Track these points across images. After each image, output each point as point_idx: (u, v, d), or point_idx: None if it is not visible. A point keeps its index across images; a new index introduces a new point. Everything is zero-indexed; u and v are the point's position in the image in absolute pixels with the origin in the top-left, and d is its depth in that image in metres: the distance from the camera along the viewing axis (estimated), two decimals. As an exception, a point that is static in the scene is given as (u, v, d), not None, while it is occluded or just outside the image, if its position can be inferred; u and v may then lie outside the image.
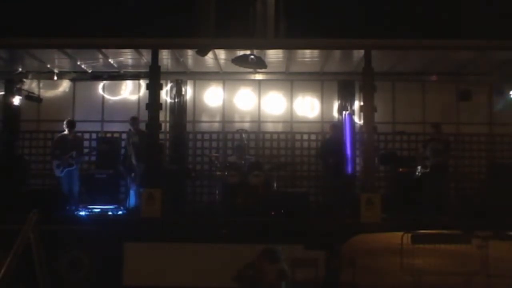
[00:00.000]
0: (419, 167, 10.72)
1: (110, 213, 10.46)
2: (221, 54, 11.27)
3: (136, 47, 10.69)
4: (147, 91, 10.21)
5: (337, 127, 11.71)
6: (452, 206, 10.68)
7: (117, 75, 12.61)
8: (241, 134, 11.98)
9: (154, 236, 9.05)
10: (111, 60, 11.74)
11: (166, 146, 12.52)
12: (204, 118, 13.12)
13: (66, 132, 11.00)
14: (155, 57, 10.22)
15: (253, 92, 13.06)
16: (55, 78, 12.64)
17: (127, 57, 11.55)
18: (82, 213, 10.25)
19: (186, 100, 12.77)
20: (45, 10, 10.68)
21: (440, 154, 10.60)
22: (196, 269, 8.84)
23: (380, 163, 11.56)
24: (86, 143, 12.33)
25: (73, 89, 13.07)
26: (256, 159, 11.70)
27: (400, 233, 8.30)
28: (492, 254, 7.96)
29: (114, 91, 13.08)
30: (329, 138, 11.75)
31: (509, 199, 9.57)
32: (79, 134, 11.61)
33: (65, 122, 11.15)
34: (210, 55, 10.99)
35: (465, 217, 9.56)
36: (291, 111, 13.03)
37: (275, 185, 11.22)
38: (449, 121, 12.37)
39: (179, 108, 12.57)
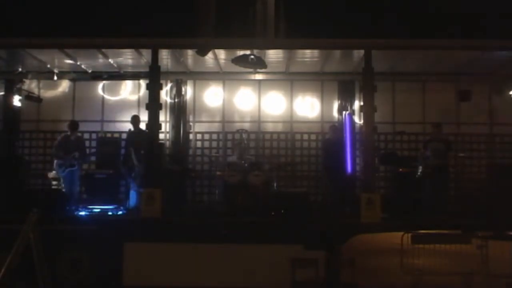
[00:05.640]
0: (420, 167, 10.70)
1: (110, 213, 10.47)
2: (221, 54, 11.26)
3: (136, 47, 10.69)
4: (147, 91, 10.22)
5: (336, 128, 11.72)
6: (452, 206, 10.68)
7: (117, 75, 12.61)
8: (241, 134, 11.98)
9: (154, 236, 9.05)
10: (111, 60, 11.74)
11: (166, 146, 12.52)
12: (204, 118, 13.13)
13: (69, 133, 11.02)
14: (155, 57, 10.22)
15: (253, 92, 13.06)
16: (55, 78, 12.63)
17: (127, 57, 11.55)
18: (82, 213, 10.26)
19: (186, 100, 12.78)
20: (45, 10, 10.69)
21: (441, 154, 10.59)
22: (196, 269, 8.83)
23: (380, 163, 11.56)
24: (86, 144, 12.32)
25: (73, 89, 13.08)
26: (256, 159, 11.70)
27: (400, 233, 8.28)
28: (492, 254, 7.94)
29: (114, 91, 13.08)
30: (328, 139, 11.76)
31: (509, 199, 9.57)
32: (79, 134, 11.58)
33: (68, 123, 11.18)
34: (210, 55, 10.99)
35: (465, 217, 9.56)
36: (291, 111, 13.03)
37: (275, 185, 11.23)
38: (449, 121, 12.37)
39: (179, 108, 12.58)
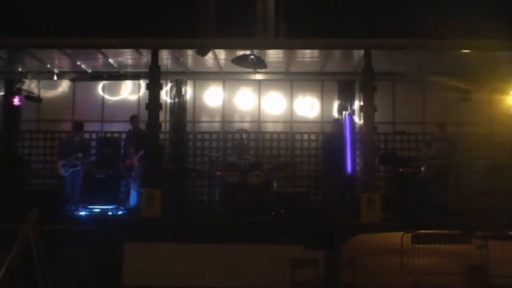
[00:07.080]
0: (422, 168, 10.68)
1: (110, 213, 10.47)
2: (221, 54, 11.27)
3: (136, 47, 10.69)
4: (147, 91, 10.22)
5: (340, 122, 11.74)
6: (452, 206, 10.67)
7: (117, 75, 12.60)
8: (241, 134, 11.98)
9: (154, 236, 9.04)
10: (111, 60, 11.74)
11: (166, 146, 12.52)
12: (204, 118, 13.13)
13: (73, 133, 11.03)
14: (155, 57, 10.22)
15: (253, 92, 13.06)
16: (55, 78, 12.64)
17: (127, 57, 11.55)
18: (82, 213, 10.26)
19: (186, 100, 12.79)
20: (45, 10, 10.67)
21: (445, 154, 10.57)
22: (196, 269, 8.83)
23: (380, 163, 11.56)
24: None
25: (73, 89, 13.08)
26: (256, 159, 11.70)
27: (400, 233, 8.30)
28: (492, 254, 7.95)
29: (114, 91, 13.08)
30: (330, 133, 11.77)
31: (509, 199, 9.57)
32: (81, 134, 11.59)
33: (72, 124, 11.19)
34: (210, 55, 10.99)
35: (465, 217, 9.56)
36: (291, 111, 13.04)
37: (275, 185, 11.23)
38: (449, 121, 12.36)
39: (179, 108, 12.58)
